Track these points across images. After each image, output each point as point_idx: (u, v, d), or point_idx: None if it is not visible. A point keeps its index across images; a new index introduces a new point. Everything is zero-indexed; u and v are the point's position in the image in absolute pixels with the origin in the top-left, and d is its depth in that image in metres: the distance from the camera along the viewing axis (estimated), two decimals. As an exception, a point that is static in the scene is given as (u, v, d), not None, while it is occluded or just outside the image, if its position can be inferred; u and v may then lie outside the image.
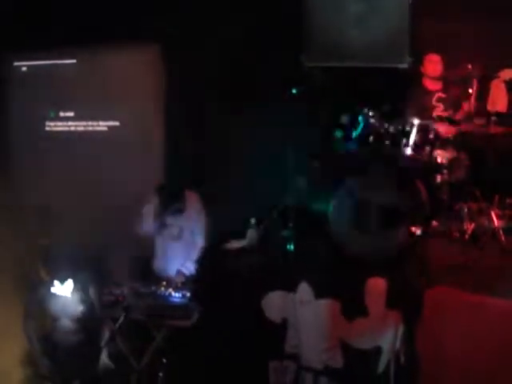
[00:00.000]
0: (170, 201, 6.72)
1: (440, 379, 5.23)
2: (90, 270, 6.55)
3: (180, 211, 6.78)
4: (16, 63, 8.51)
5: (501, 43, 7.64)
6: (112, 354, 6.44)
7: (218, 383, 5.91)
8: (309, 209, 6.65)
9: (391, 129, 6.50)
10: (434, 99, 7.28)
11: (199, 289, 6.17)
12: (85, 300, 6.39)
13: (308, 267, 5.94)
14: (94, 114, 8.42)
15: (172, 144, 8.05)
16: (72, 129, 8.54)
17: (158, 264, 6.92)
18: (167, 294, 6.35)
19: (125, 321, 6.29)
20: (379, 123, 6.52)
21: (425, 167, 6.79)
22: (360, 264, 5.80)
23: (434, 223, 6.74)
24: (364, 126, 6.51)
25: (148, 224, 6.86)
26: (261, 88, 7.47)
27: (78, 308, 6.39)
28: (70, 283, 6.40)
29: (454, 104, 7.18)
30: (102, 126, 8.43)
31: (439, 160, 6.83)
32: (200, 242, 6.79)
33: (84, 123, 8.49)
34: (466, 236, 6.44)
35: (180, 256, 6.85)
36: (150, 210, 6.83)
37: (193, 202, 6.83)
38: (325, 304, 5.61)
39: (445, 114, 7.06)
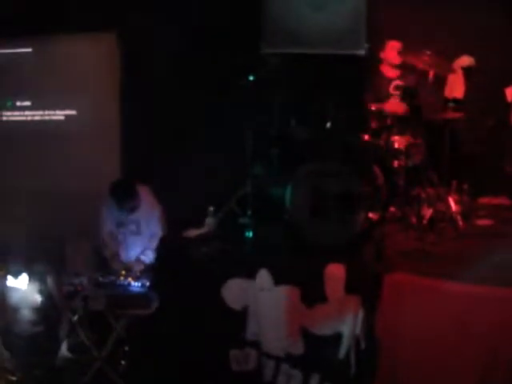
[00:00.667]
0: (125, 201, 6.78)
1: (399, 364, 5.26)
2: (47, 261, 6.52)
3: (135, 208, 6.81)
4: (-28, 53, 8.42)
5: (458, 30, 7.71)
6: (72, 345, 6.42)
7: (178, 372, 5.88)
8: (267, 196, 6.64)
9: (348, 115, 6.53)
10: (392, 87, 7.31)
11: (158, 277, 6.16)
12: (43, 291, 6.36)
13: (267, 254, 5.93)
14: (51, 102, 8.36)
15: (128, 133, 8.04)
16: (29, 118, 8.48)
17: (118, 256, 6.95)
18: (126, 283, 6.36)
19: (84, 311, 6.29)
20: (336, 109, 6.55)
21: (382, 153, 6.85)
22: (318, 250, 5.80)
23: (392, 209, 6.80)
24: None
25: (107, 227, 6.95)
26: (218, 75, 7.46)
27: (37, 299, 6.36)
28: (24, 277, 6.36)
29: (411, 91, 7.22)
30: (58, 114, 8.39)
31: (396, 145, 6.89)
32: (158, 231, 6.86)
33: (41, 112, 8.44)
34: (424, 221, 6.48)
35: (140, 247, 6.93)
36: (106, 213, 6.93)
37: (145, 196, 6.92)
38: (284, 291, 5.60)
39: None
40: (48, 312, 6.37)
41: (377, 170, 6.66)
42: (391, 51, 7.32)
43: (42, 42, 8.32)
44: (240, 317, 5.76)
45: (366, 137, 7.01)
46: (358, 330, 5.39)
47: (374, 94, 7.22)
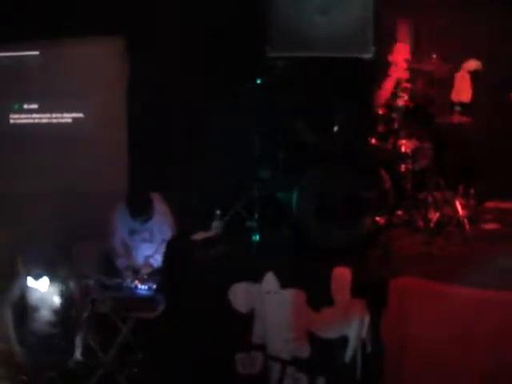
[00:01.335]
0: (141, 212, 6.83)
1: (404, 367, 5.25)
2: (68, 264, 6.54)
3: (150, 219, 6.83)
4: (-21, 56, 8.44)
5: (465, 34, 7.71)
6: (82, 349, 6.44)
7: (184, 375, 5.88)
8: (274, 199, 6.64)
9: (355, 118, 6.53)
10: (400, 89, 7.30)
11: (165, 280, 6.17)
12: (63, 293, 6.38)
13: (273, 257, 5.93)
14: (58, 105, 8.37)
15: (136, 135, 8.05)
16: (36, 121, 8.49)
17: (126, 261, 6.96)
18: (133, 286, 6.37)
19: (91, 314, 6.30)
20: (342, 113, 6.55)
21: (389, 156, 6.84)
22: (325, 254, 5.80)
23: (399, 212, 6.78)
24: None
25: (119, 236, 6.98)
26: (225, 79, 7.47)
27: (57, 301, 6.37)
28: (44, 279, 6.37)
29: (418, 94, 7.21)
30: (66, 117, 8.40)
31: (403, 149, 6.88)
32: (169, 237, 6.81)
33: (48, 115, 8.45)
34: (431, 225, 6.48)
35: (151, 251, 6.91)
36: (118, 221, 6.95)
37: (159, 206, 6.94)
38: (290, 294, 5.60)
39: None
40: (67, 314, 6.39)
41: (384, 173, 6.64)
42: (399, 54, 7.32)
43: (49, 45, 8.33)
44: (246, 320, 5.76)
45: (373, 140, 7.00)
46: (364, 334, 5.39)
47: (381, 97, 7.21)
